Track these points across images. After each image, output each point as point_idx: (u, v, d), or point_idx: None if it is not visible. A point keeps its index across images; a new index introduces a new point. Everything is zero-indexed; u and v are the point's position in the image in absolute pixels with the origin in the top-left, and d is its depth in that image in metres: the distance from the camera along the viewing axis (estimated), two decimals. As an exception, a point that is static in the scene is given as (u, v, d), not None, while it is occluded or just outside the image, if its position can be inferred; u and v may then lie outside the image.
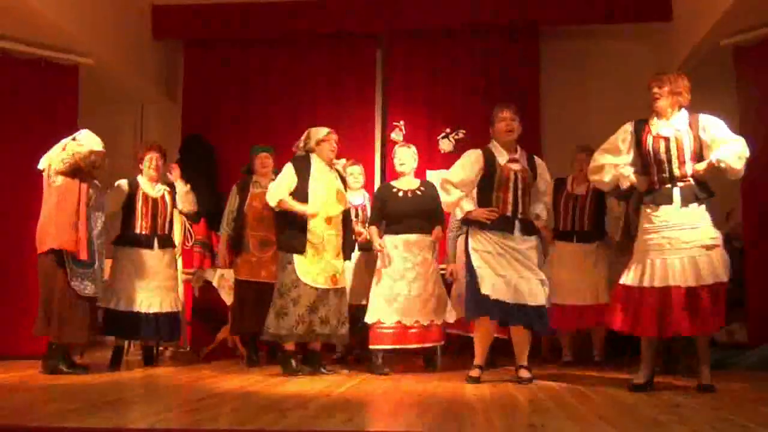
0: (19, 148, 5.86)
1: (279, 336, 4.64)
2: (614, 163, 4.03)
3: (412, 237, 5.00)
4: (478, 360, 4.38)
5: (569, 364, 5.34)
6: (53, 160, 4.80)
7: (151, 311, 5.21)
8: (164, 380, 4.51)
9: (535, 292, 4.22)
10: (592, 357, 5.45)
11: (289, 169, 4.77)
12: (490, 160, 4.33)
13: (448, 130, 6.85)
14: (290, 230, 4.69)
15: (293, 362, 4.68)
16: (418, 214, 5.04)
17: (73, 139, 4.88)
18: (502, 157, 4.32)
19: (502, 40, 6.95)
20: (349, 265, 5.31)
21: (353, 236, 5.11)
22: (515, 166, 4.33)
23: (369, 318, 4.96)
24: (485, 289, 4.17)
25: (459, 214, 4.42)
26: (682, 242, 3.78)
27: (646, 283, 3.84)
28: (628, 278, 3.93)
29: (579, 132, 6.59)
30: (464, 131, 6.77)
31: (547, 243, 5.32)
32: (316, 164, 4.79)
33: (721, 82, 5.95)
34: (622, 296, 3.94)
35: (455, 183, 4.37)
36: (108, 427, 2.75)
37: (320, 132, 4.86)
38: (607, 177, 4.07)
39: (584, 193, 5.41)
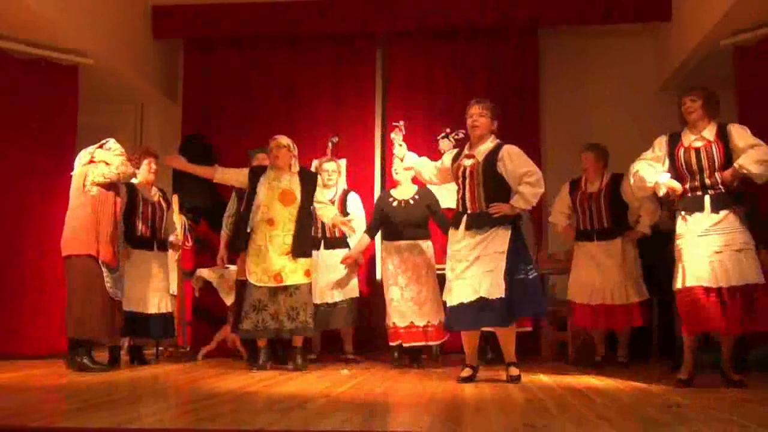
0: (19, 148, 5.87)
1: (234, 330, 5.10)
2: (652, 168, 4.21)
3: (404, 243, 5.35)
4: (468, 360, 4.39)
5: (600, 365, 5.23)
6: (91, 171, 4.83)
7: (155, 312, 5.34)
8: (164, 380, 4.51)
9: (478, 286, 4.17)
10: (615, 357, 5.37)
11: (243, 172, 5.17)
12: (455, 158, 4.46)
13: (448, 130, 6.84)
14: (239, 230, 5.12)
15: (261, 358, 5.02)
16: (410, 223, 5.36)
17: (100, 147, 4.95)
18: (462, 153, 4.43)
19: (501, 40, 6.94)
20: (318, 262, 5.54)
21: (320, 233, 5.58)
22: (466, 162, 4.35)
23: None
24: (445, 297, 4.38)
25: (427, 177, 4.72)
26: (717, 245, 3.95)
27: (688, 283, 4.00)
28: (676, 282, 4.11)
29: (579, 132, 6.61)
30: (464, 131, 6.71)
31: (569, 242, 5.50)
32: (267, 173, 5.11)
33: (721, 82, 5.95)
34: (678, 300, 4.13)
35: (436, 164, 4.63)
36: (108, 427, 2.75)
37: (271, 143, 5.19)
38: (645, 182, 4.20)
39: (598, 190, 5.33)
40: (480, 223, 4.25)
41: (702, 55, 6.04)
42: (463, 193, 4.34)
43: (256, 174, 5.10)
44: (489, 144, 4.36)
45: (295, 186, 5.09)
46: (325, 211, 5.25)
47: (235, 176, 5.19)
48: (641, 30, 6.87)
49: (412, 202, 5.41)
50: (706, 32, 5.68)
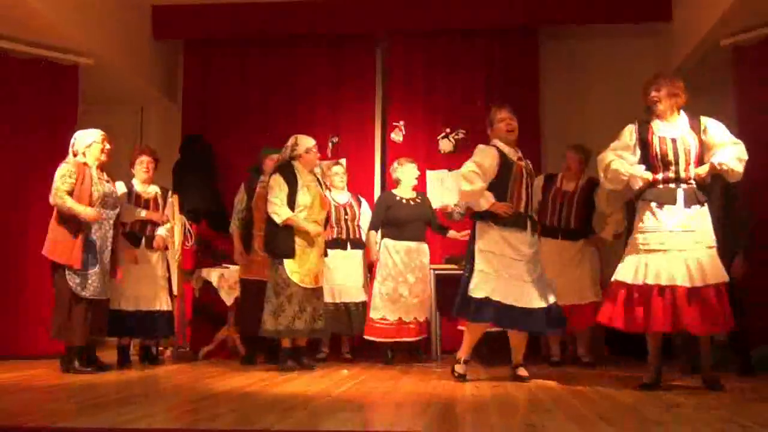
0: (19, 148, 5.86)
1: (278, 332, 4.85)
2: (624, 161, 4.01)
3: (413, 244, 5.60)
4: (464, 354, 4.38)
5: (558, 364, 5.29)
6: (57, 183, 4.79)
7: (152, 309, 5.33)
8: (164, 380, 4.51)
9: (543, 294, 4.22)
10: (579, 358, 5.38)
11: (279, 180, 4.92)
12: (503, 156, 4.33)
13: (448, 130, 6.84)
14: (280, 234, 4.88)
15: (289, 360, 4.90)
16: (418, 221, 5.62)
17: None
18: (512, 154, 4.37)
19: (501, 41, 6.93)
20: (340, 263, 5.69)
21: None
22: (523, 163, 4.40)
23: (373, 314, 5.55)
24: (483, 292, 4.16)
25: (484, 205, 4.25)
26: (685, 242, 3.82)
27: (650, 280, 3.82)
28: (626, 275, 3.91)
29: (579, 132, 6.60)
30: (464, 131, 6.77)
31: None
32: (300, 173, 4.99)
33: (720, 82, 5.96)
34: (619, 293, 3.92)
35: (479, 173, 4.25)
36: (108, 427, 2.75)
37: (309, 141, 5.08)
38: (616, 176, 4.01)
39: (573, 190, 5.39)
40: (537, 227, 4.40)
41: (702, 55, 6.05)
42: (527, 195, 4.35)
43: (290, 173, 4.95)
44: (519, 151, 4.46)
45: (321, 190, 5.16)
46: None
47: (285, 197, 4.89)
48: (641, 30, 6.86)
49: (418, 201, 5.71)
50: (706, 32, 5.68)
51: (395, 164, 5.85)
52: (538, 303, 4.19)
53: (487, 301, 4.15)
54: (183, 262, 6.12)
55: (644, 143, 3.99)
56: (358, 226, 5.85)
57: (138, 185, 5.45)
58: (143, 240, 5.40)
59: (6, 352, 5.51)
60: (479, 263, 4.24)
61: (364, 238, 5.84)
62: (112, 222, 4.95)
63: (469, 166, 4.29)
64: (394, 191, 5.76)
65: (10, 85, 5.89)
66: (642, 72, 6.90)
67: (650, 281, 3.83)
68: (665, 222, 3.86)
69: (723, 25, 5.50)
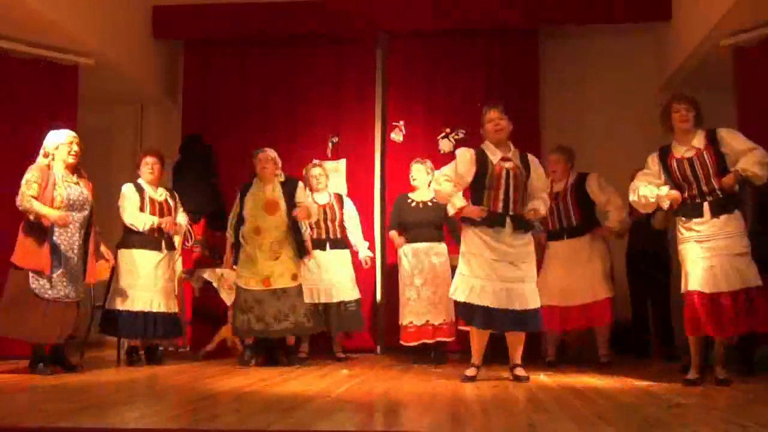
0: (19, 148, 5.85)
1: (238, 331, 5.35)
2: (654, 186, 4.28)
3: (422, 245, 5.58)
4: (474, 360, 4.42)
5: (552, 365, 5.24)
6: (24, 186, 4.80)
7: (160, 311, 5.38)
8: (164, 380, 4.51)
9: (523, 296, 4.25)
10: (597, 357, 5.32)
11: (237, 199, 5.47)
12: (482, 159, 4.39)
13: (447, 130, 6.84)
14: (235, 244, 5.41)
15: (246, 355, 5.33)
16: (428, 224, 5.61)
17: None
18: (494, 156, 4.39)
19: (501, 40, 6.93)
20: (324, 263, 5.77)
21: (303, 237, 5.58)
22: (507, 164, 4.37)
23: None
24: (463, 295, 4.28)
25: (450, 210, 4.47)
26: (718, 251, 4.03)
27: (692, 287, 4.07)
28: (685, 284, 4.17)
29: (579, 132, 6.61)
30: (464, 131, 6.76)
31: (542, 245, 5.42)
32: (255, 184, 5.41)
33: (721, 82, 5.95)
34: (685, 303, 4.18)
35: (450, 176, 4.42)
36: (108, 427, 2.75)
37: (254, 156, 5.46)
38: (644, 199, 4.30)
39: (563, 189, 5.38)
40: (524, 225, 4.34)
41: (702, 55, 6.04)
42: (506, 194, 4.33)
43: (243, 189, 5.43)
44: (513, 149, 4.45)
45: (279, 195, 5.36)
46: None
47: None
48: (641, 30, 6.86)
49: (430, 204, 5.61)
50: (706, 32, 5.67)
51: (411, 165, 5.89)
52: (519, 305, 4.23)
53: (468, 305, 4.28)
54: (183, 262, 6.13)
55: (666, 167, 4.24)
56: (341, 226, 5.86)
57: (147, 188, 5.49)
58: (163, 243, 5.46)
59: (6, 352, 5.50)
60: (460, 266, 4.39)
61: (353, 238, 5.90)
62: (78, 225, 4.81)
63: (443, 169, 4.52)
64: (410, 194, 5.78)
65: (10, 85, 5.89)
66: (642, 72, 6.97)
67: (693, 288, 4.07)
68: (697, 233, 4.09)
69: (723, 25, 5.49)
